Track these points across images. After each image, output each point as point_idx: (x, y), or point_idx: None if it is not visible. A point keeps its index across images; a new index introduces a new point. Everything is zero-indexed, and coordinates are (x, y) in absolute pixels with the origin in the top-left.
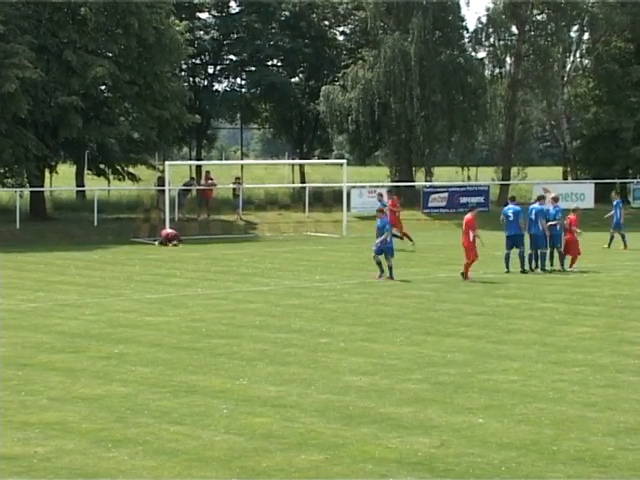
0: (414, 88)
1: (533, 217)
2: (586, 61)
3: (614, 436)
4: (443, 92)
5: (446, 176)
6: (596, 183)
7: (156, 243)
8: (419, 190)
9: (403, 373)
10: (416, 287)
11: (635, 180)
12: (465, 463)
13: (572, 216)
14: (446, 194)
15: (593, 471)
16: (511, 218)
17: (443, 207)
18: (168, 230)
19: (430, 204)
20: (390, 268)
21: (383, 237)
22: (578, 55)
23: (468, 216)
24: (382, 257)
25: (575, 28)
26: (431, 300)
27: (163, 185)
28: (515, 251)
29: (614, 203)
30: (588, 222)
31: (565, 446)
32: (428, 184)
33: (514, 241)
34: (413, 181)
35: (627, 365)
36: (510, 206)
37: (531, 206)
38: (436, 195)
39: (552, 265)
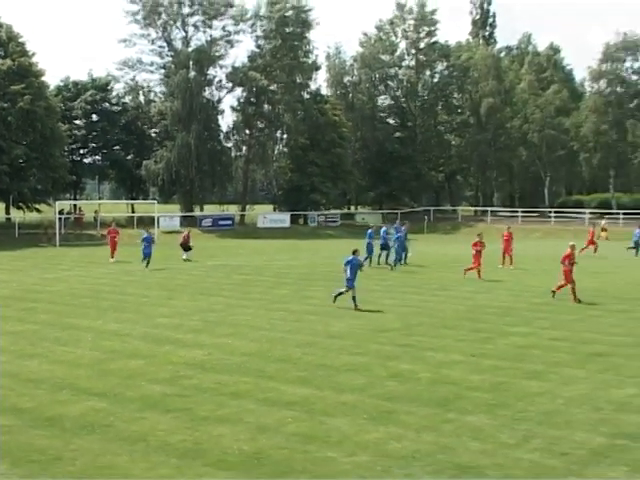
0: (192, 163)
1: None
2: (285, 149)
3: (300, 348)
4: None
5: (211, 209)
6: (291, 214)
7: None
8: (197, 217)
9: (188, 316)
10: (198, 269)
11: (316, 213)
12: (222, 363)
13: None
14: (211, 219)
15: (290, 367)
16: None
17: (210, 226)
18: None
19: (203, 224)
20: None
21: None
22: (281, 146)
23: (567, 252)
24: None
25: (279, 132)
26: (208, 276)
27: (61, 215)
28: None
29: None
30: (286, 237)
31: (276, 353)
32: (201, 213)
33: None
34: (193, 211)
35: (309, 310)
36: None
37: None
38: (206, 219)
39: None
